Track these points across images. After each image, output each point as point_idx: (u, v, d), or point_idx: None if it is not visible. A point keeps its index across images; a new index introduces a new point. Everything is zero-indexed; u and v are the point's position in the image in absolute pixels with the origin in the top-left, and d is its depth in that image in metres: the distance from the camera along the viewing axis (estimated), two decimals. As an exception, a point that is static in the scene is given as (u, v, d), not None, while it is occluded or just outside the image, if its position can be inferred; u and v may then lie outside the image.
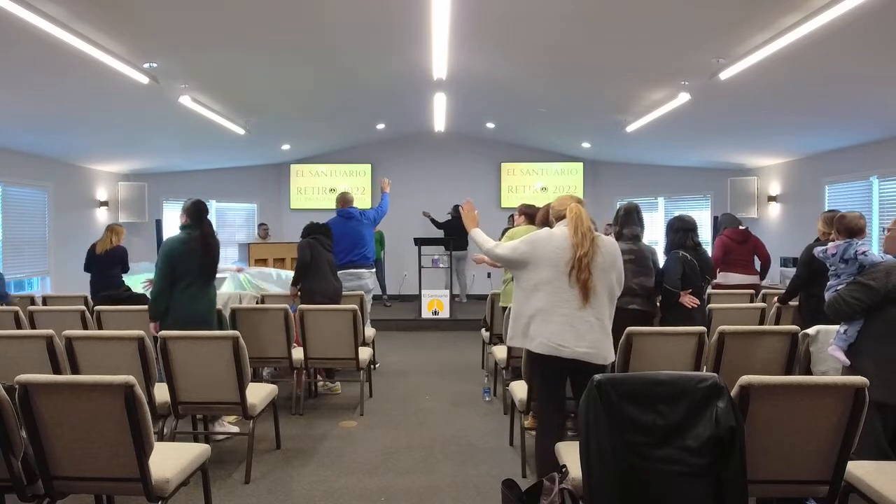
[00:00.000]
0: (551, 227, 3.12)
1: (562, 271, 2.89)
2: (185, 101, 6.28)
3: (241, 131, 7.96)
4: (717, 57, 4.95)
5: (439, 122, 9.99)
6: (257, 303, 5.64)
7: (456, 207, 9.82)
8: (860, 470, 2.44)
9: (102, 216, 9.34)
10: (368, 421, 4.75)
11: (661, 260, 4.50)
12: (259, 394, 3.79)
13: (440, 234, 10.00)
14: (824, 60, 4.77)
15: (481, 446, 4.20)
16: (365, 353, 5.04)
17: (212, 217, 4.81)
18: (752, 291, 5.68)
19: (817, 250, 3.46)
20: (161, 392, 3.61)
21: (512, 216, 6.96)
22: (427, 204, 10.52)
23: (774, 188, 9.05)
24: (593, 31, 4.93)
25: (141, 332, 3.38)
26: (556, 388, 3.06)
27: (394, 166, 11.04)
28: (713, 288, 5.49)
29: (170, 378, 3.57)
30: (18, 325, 4.68)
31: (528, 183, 11.54)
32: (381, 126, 10.11)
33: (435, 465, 3.89)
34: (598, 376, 2.11)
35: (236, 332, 3.53)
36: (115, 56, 4.76)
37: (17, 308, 4.82)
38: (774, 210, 9.08)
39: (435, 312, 8.88)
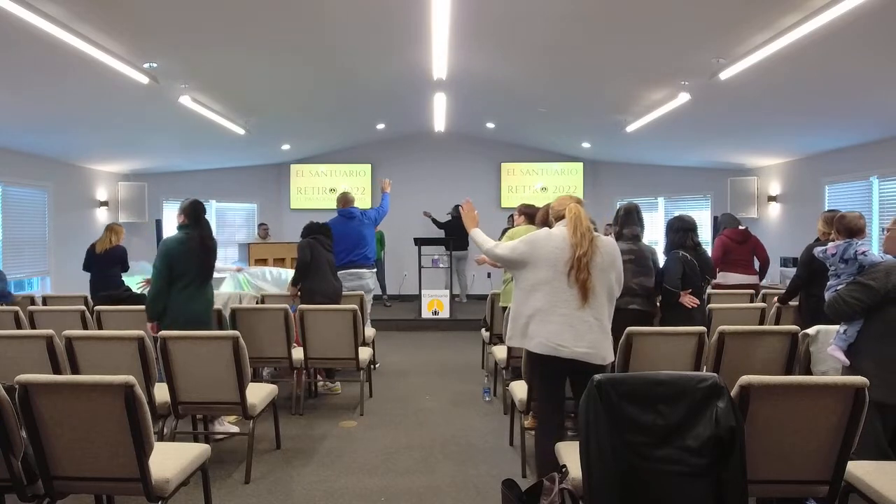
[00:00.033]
0: (551, 227, 3.13)
1: (561, 271, 2.89)
2: (185, 101, 6.28)
3: (241, 131, 7.96)
4: (717, 57, 4.96)
5: (439, 122, 9.99)
6: (257, 303, 5.64)
7: (456, 207, 9.81)
8: (860, 470, 2.44)
9: (102, 216, 9.34)
10: (368, 421, 4.75)
11: (661, 260, 4.50)
12: (259, 394, 3.80)
13: (440, 234, 9.99)
14: (824, 60, 4.77)
15: (481, 446, 4.20)
16: (365, 353, 5.04)
17: (212, 217, 4.81)
18: (751, 291, 5.68)
19: (817, 250, 3.46)
20: (161, 392, 3.61)
21: (512, 216, 6.95)
22: (427, 204, 10.52)
23: (774, 188, 9.04)
24: (593, 31, 4.93)
25: (141, 332, 3.39)
26: (555, 388, 3.06)
27: (394, 166, 11.04)
28: (713, 288, 5.49)
29: (170, 378, 3.57)
30: (18, 325, 4.69)
31: (528, 183, 11.54)
32: (381, 126, 10.11)
33: (435, 465, 3.89)
34: (598, 376, 2.11)
35: (236, 332, 3.53)
36: (115, 56, 4.76)
37: (17, 308, 4.82)
38: (774, 210, 9.08)
39: (435, 312, 8.88)
